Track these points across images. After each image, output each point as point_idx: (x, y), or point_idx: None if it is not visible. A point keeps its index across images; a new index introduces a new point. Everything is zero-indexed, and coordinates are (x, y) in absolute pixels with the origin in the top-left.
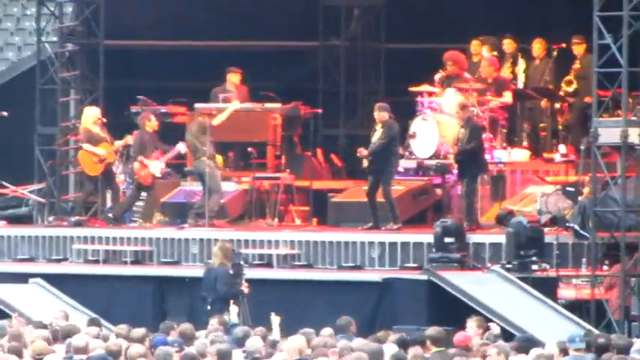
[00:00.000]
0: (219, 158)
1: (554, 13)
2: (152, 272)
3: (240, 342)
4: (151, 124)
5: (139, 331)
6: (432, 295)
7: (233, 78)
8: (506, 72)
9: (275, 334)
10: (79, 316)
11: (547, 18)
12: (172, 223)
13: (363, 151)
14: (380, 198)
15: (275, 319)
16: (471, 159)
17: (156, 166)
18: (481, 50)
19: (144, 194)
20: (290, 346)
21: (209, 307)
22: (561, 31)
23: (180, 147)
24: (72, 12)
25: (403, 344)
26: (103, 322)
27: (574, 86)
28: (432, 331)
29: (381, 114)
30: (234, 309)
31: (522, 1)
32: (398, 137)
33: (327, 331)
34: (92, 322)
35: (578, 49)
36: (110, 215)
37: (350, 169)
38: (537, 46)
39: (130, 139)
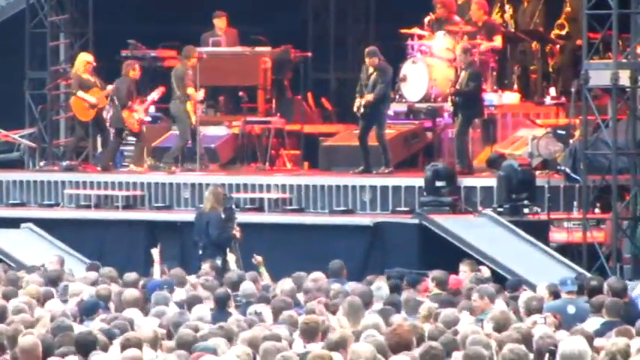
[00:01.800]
0: (190, 103)
1: None
2: (144, 217)
3: (234, 286)
4: (135, 72)
5: (130, 276)
6: (424, 239)
7: (219, 22)
8: (495, 17)
9: (265, 278)
10: (71, 260)
11: None
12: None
13: (368, 97)
14: (371, 142)
15: (258, 259)
16: (467, 102)
17: (141, 112)
18: None
19: (132, 139)
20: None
21: (201, 252)
22: None
23: (154, 95)
24: None
25: (396, 289)
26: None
27: (566, 29)
28: (436, 273)
29: (371, 59)
30: (231, 257)
31: None
32: (391, 81)
33: (318, 274)
34: (92, 267)
35: None
36: (98, 168)
37: (340, 113)
38: None
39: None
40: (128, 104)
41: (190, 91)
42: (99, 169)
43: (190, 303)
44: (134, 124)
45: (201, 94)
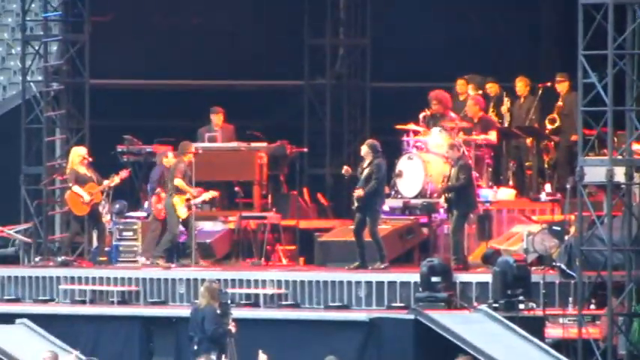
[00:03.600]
0: (180, 198)
1: (540, 52)
2: (139, 312)
3: None
4: (168, 160)
5: None
6: (419, 335)
7: (216, 119)
8: (490, 114)
9: None
10: (66, 356)
11: (533, 56)
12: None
13: (359, 192)
14: (367, 237)
15: (262, 357)
16: (460, 197)
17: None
18: (467, 89)
19: (127, 234)
20: None
21: (196, 347)
22: (547, 70)
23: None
24: (57, 51)
25: None
26: None
27: (557, 124)
28: None
29: (366, 150)
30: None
31: (508, 40)
32: (386, 176)
33: None
34: None
35: (562, 87)
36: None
37: (336, 209)
38: (520, 85)
39: (116, 180)
40: (157, 191)
41: (177, 182)
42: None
43: None
44: (161, 212)
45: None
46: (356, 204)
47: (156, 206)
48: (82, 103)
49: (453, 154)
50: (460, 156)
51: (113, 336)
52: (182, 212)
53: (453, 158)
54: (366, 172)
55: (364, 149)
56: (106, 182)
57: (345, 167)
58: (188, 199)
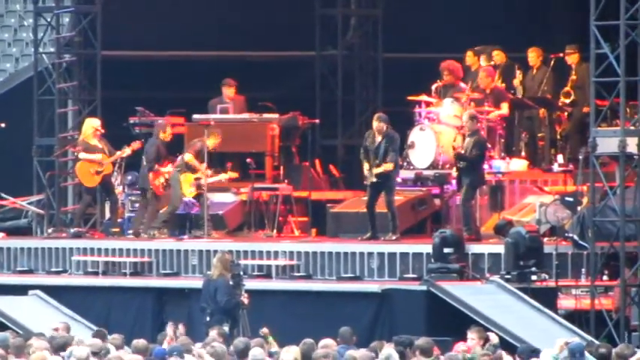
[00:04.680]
0: (188, 177)
1: (552, 23)
2: (151, 284)
3: (241, 354)
4: (166, 134)
5: (140, 342)
6: (431, 306)
7: (228, 92)
8: (497, 83)
9: (273, 346)
10: (79, 327)
11: (545, 27)
12: (172, 234)
13: (387, 166)
14: (379, 209)
15: (265, 332)
16: (470, 169)
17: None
18: (476, 61)
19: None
20: (286, 357)
21: (208, 318)
22: (559, 41)
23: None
24: (69, 23)
25: (402, 356)
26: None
27: (572, 97)
28: (420, 341)
29: (379, 124)
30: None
31: (520, 11)
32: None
33: (327, 341)
34: (98, 334)
35: (572, 59)
36: (131, 235)
37: (348, 180)
38: (532, 55)
39: (127, 151)
40: (155, 167)
41: (188, 157)
42: (132, 235)
43: None
44: (159, 187)
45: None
46: (373, 179)
47: (154, 182)
48: (94, 74)
49: (471, 125)
50: (477, 129)
51: (126, 307)
52: (188, 191)
53: (470, 129)
54: (383, 145)
55: (376, 124)
56: (117, 153)
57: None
58: (198, 179)
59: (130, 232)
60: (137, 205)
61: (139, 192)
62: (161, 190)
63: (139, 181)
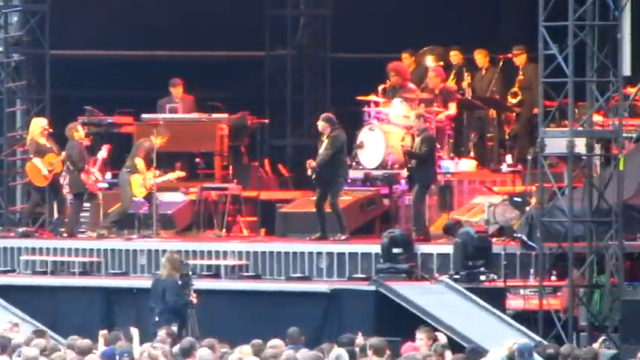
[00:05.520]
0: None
1: (501, 23)
2: (100, 283)
3: (187, 353)
4: (79, 133)
5: (84, 342)
6: (380, 306)
7: (175, 91)
8: (450, 83)
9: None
10: (26, 327)
11: (494, 28)
12: (119, 234)
13: (312, 163)
14: (328, 209)
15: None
16: (421, 168)
17: (97, 173)
18: (412, 62)
19: (86, 204)
20: (233, 357)
21: (157, 318)
22: (507, 42)
23: (102, 153)
24: (17, 22)
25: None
26: (50, 333)
27: (519, 97)
28: (374, 340)
29: (323, 124)
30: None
31: (469, 11)
32: (345, 148)
33: (276, 342)
34: (37, 334)
35: (520, 60)
36: (64, 234)
37: (297, 180)
38: (479, 57)
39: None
40: (84, 167)
41: (138, 161)
42: (64, 235)
43: None
44: (93, 186)
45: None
46: (311, 174)
47: (87, 182)
48: (43, 73)
49: (418, 123)
50: (425, 127)
51: (74, 307)
52: (139, 192)
53: (418, 128)
54: (324, 144)
55: (320, 124)
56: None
57: (309, 161)
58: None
59: (63, 231)
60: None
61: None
62: (96, 189)
63: (72, 187)
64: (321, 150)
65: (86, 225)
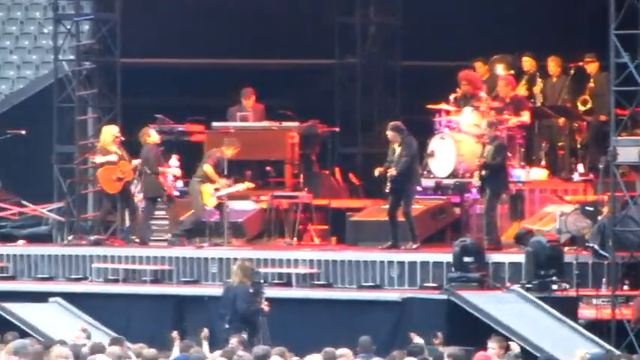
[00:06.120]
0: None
1: (572, 32)
2: (171, 291)
3: None
4: (152, 138)
5: (150, 352)
6: (451, 315)
7: (247, 102)
8: (522, 89)
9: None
10: (99, 335)
11: (564, 36)
12: (191, 242)
13: (392, 171)
14: (401, 217)
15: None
16: (494, 176)
17: (176, 170)
18: (486, 70)
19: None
20: None
21: (227, 326)
22: (579, 49)
23: (173, 161)
24: (89, 30)
25: None
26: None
27: (589, 105)
28: (452, 349)
29: (392, 134)
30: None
31: (540, 20)
32: (418, 155)
33: (344, 351)
34: (115, 341)
35: (591, 68)
36: (135, 241)
37: (368, 188)
38: (552, 64)
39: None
40: (160, 170)
41: (207, 167)
42: (137, 241)
43: None
44: (171, 188)
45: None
46: (389, 185)
47: (166, 184)
48: (114, 82)
49: (490, 132)
50: (497, 135)
51: (145, 315)
52: (210, 201)
53: (489, 136)
54: (397, 151)
55: (390, 133)
56: (135, 161)
57: (389, 170)
58: (217, 189)
59: (134, 238)
60: (162, 212)
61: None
62: (173, 192)
63: (146, 191)
64: (396, 157)
65: (162, 228)
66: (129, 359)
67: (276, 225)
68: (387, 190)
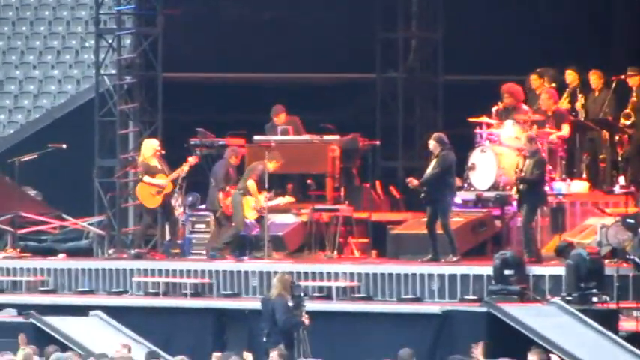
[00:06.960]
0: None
1: (613, 45)
2: (212, 304)
3: None
4: (236, 160)
5: None
6: (492, 327)
7: (277, 120)
8: (564, 102)
9: None
10: (139, 348)
11: (606, 49)
12: (232, 255)
13: (413, 181)
14: (440, 230)
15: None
16: (531, 190)
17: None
18: (541, 83)
19: (200, 227)
20: None
21: (265, 339)
22: (620, 63)
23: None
24: (130, 44)
25: None
26: (162, 354)
27: (632, 119)
28: None
29: (433, 144)
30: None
31: (581, 33)
32: (453, 168)
33: None
34: (151, 355)
35: (633, 81)
36: (176, 255)
37: (408, 201)
38: (594, 77)
39: (185, 168)
40: (225, 188)
41: (250, 183)
42: (206, 256)
43: None
44: (229, 208)
45: (278, 200)
46: (422, 195)
47: (224, 202)
48: (155, 96)
49: (530, 146)
50: (537, 150)
51: (186, 328)
52: (250, 215)
53: (529, 151)
54: (433, 163)
55: (432, 143)
56: (177, 171)
57: (410, 179)
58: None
59: (175, 252)
60: (202, 225)
61: (204, 213)
62: (230, 211)
63: (207, 203)
64: (429, 169)
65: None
66: None
67: (317, 238)
68: (420, 199)
